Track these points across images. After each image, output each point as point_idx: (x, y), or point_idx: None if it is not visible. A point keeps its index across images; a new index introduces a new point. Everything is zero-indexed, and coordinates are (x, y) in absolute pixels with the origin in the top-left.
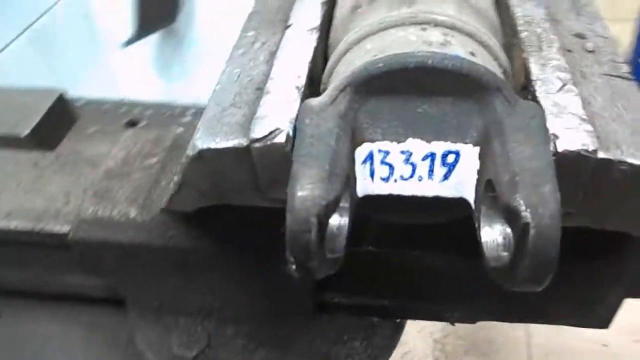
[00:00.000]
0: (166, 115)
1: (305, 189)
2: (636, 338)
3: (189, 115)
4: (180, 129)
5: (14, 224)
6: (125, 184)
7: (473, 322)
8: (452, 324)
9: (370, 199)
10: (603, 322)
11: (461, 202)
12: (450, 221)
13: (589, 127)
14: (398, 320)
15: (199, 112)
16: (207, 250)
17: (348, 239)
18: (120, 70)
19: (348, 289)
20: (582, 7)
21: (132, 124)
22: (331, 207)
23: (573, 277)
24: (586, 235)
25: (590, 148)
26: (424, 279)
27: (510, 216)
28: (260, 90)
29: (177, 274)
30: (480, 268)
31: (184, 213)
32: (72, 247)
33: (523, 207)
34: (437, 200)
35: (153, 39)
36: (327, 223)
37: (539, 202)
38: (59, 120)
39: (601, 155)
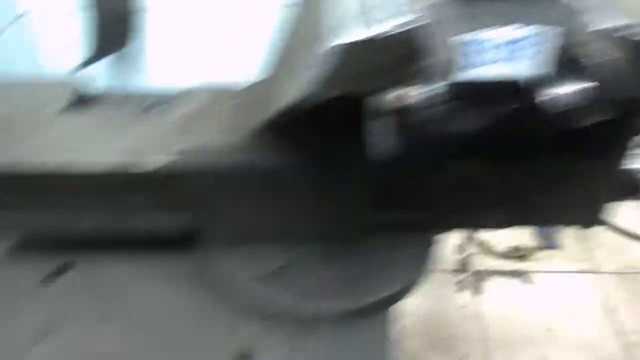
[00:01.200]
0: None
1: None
2: (578, 323)
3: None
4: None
5: (106, 164)
6: (205, 123)
7: (499, 228)
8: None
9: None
10: (593, 220)
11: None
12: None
13: None
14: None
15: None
16: (291, 167)
17: None
18: None
19: (405, 206)
20: None
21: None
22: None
23: (573, 179)
24: (583, 141)
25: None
26: (466, 191)
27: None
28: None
29: (261, 195)
30: (505, 177)
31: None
32: (165, 179)
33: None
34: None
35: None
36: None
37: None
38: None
39: None
